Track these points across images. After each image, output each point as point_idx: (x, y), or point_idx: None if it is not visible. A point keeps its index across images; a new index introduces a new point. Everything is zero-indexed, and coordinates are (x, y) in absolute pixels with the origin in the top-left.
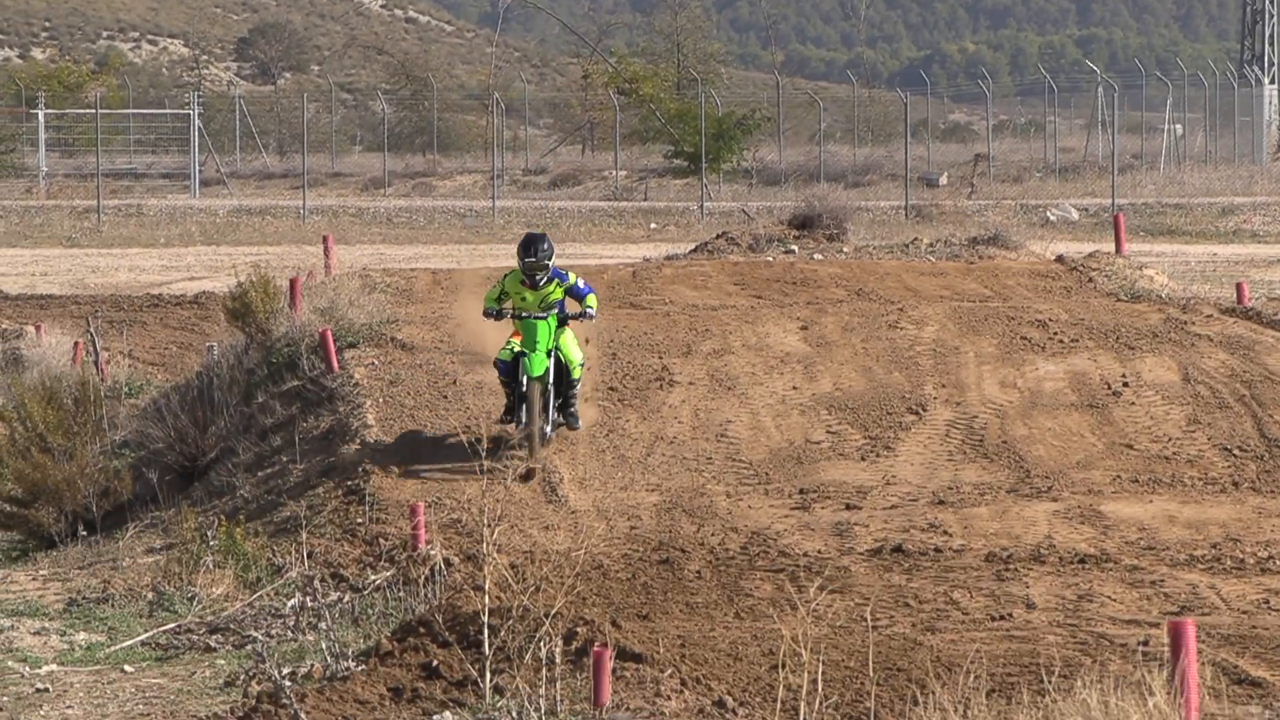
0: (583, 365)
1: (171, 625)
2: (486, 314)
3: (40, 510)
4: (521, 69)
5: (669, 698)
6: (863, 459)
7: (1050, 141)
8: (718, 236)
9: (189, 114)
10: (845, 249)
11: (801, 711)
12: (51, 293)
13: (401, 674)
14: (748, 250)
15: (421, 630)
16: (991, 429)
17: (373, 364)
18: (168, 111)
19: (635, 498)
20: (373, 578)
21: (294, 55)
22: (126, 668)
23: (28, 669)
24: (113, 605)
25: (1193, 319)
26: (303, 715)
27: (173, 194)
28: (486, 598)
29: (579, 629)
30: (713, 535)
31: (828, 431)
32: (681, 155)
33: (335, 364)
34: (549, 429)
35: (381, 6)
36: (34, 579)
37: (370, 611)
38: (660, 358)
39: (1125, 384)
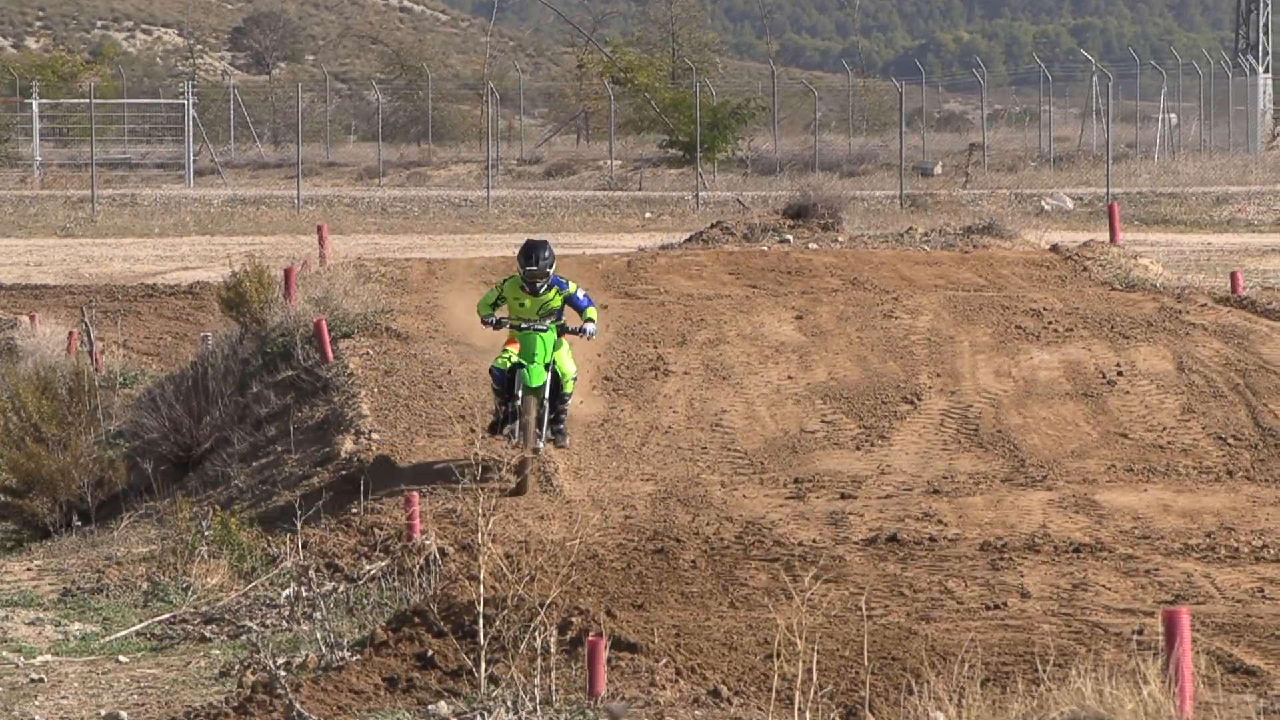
0: (574, 378)
1: (166, 615)
2: (484, 322)
3: (35, 500)
4: (516, 58)
5: (664, 687)
6: (858, 448)
7: (1045, 131)
8: (712, 226)
9: (183, 104)
10: (840, 238)
11: (796, 700)
12: (46, 283)
13: (396, 664)
14: (742, 240)
15: (416, 620)
16: (986, 418)
17: (367, 354)
18: (162, 101)
19: (630, 487)
20: (368, 568)
21: (288, 45)
22: (121, 658)
23: (22, 659)
24: (107, 595)
25: (1187, 308)
26: (298, 705)
27: (167, 184)
28: (481, 587)
29: (574, 618)
30: (708, 525)
31: (823, 421)
32: (676, 145)
33: (330, 354)
34: (541, 443)
35: None
36: (29, 569)
37: (365, 601)
38: (655, 347)
39: (1120, 373)
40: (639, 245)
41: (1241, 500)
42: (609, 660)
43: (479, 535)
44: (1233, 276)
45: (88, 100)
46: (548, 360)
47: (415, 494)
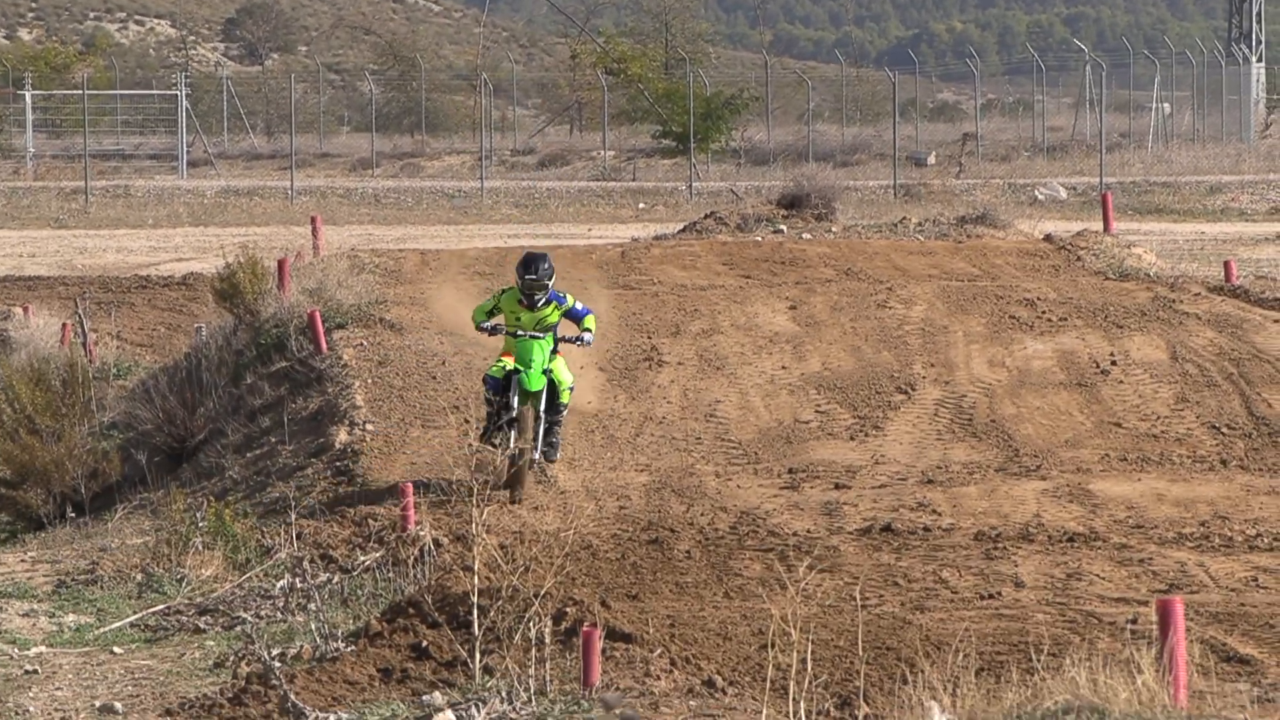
0: (571, 389)
1: (160, 607)
2: (479, 329)
3: (28, 492)
4: (509, 49)
5: (658, 677)
6: (851, 438)
7: (1038, 120)
8: (706, 216)
9: (176, 95)
10: (834, 228)
11: (791, 690)
12: (39, 274)
13: (391, 655)
14: (736, 230)
15: (411, 611)
16: (980, 408)
17: (361, 345)
18: (155, 92)
19: (624, 478)
20: (362, 559)
21: (281, 36)
22: (115, 649)
23: (16, 651)
24: (101, 587)
25: (1181, 297)
26: (292, 696)
27: (160, 175)
28: (476, 578)
29: (568, 609)
30: (702, 515)
31: (816, 411)
32: (670, 135)
33: (324, 345)
34: (537, 453)
35: None
36: (22, 560)
37: (359, 592)
38: (649, 338)
39: (1113, 362)
40: (633, 236)
41: (1235, 489)
42: (603, 651)
43: (473, 526)
44: (1226, 266)
45: (81, 91)
46: (545, 366)
47: (409, 485)
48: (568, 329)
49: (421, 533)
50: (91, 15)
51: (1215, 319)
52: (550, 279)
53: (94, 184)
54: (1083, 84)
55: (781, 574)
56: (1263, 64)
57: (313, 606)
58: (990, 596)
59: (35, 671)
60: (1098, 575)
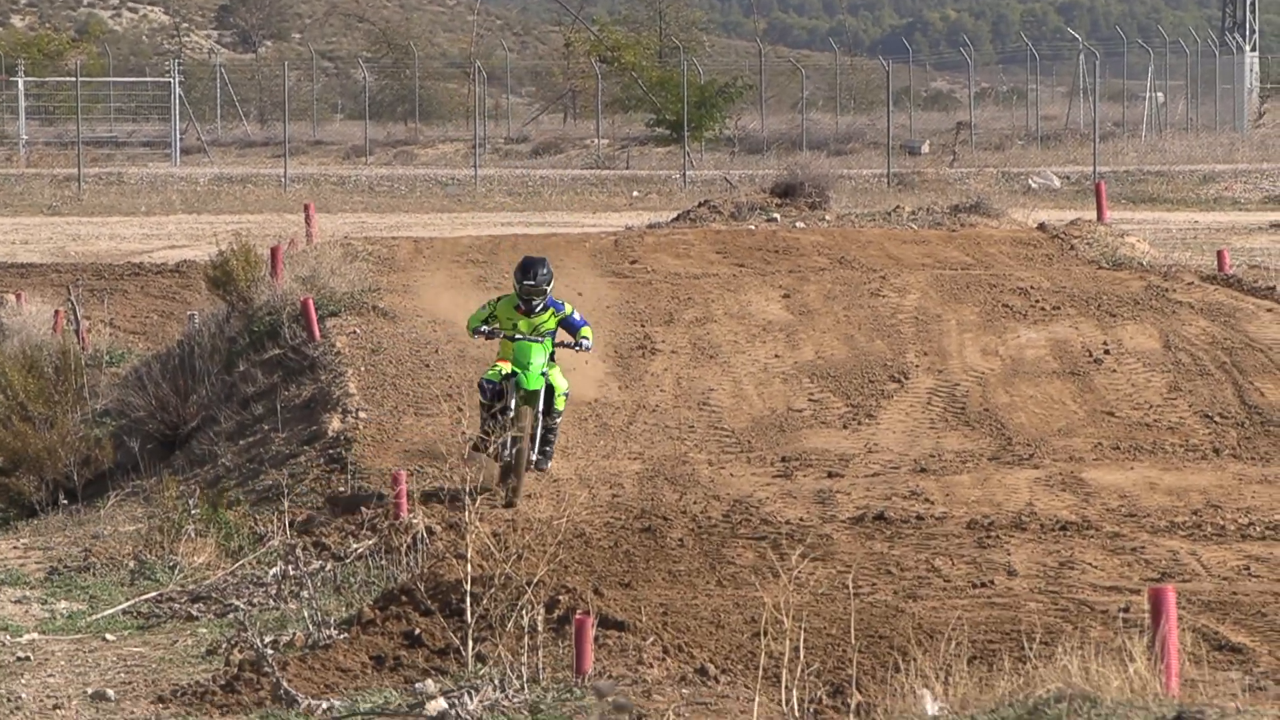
0: (566, 394)
1: (153, 594)
2: (475, 333)
3: (21, 479)
4: (503, 37)
5: (651, 665)
6: (845, 427)
7: (1032, 109)
8: (700, 205)
9: (169, 82)
10: (827, 217)
11: (784, 679)
12: (32, 261)
13: (384, 642)
14: (730, 218)
15: (403, 599)
16: (973, 397)
17: (354, 332)
18: (148, 80)
19: (617, 466)
20: (355, 546)
21: (275, 23)
22: (108, 636)
23: (9, 637)
24: (94, 574)
25: (1174, 286)
26: (285, 683)
27: (153, 162)
28: (469, 566)
29: (561, 597)
30: (695, 503)
31: (810, 399)
32: (664, 123)
33: (317, 332)
34: (534, 454)
35: None
36: (15, 547)
37: (352, 580)
38: (642, 326)
39: (1106, 351)
40: (626, 224)
41: (1228, 478)
42: (596, 639)
43: (466, 514)
44: (1219, 255)
45: (74, 78)
46: (543, 369)
47: (402, 472)
48: (563, 337)
49: (414, 520)
50: (85, 2)
51: (1208, 308)
52: (549, 284)
53: (87, 171)
54: (1077, 73)
55: (774, 562)
56: (1256, 53)
57: (305, 594)
58: (983, 585)
59: (27, 658)
60: (1090, 564)
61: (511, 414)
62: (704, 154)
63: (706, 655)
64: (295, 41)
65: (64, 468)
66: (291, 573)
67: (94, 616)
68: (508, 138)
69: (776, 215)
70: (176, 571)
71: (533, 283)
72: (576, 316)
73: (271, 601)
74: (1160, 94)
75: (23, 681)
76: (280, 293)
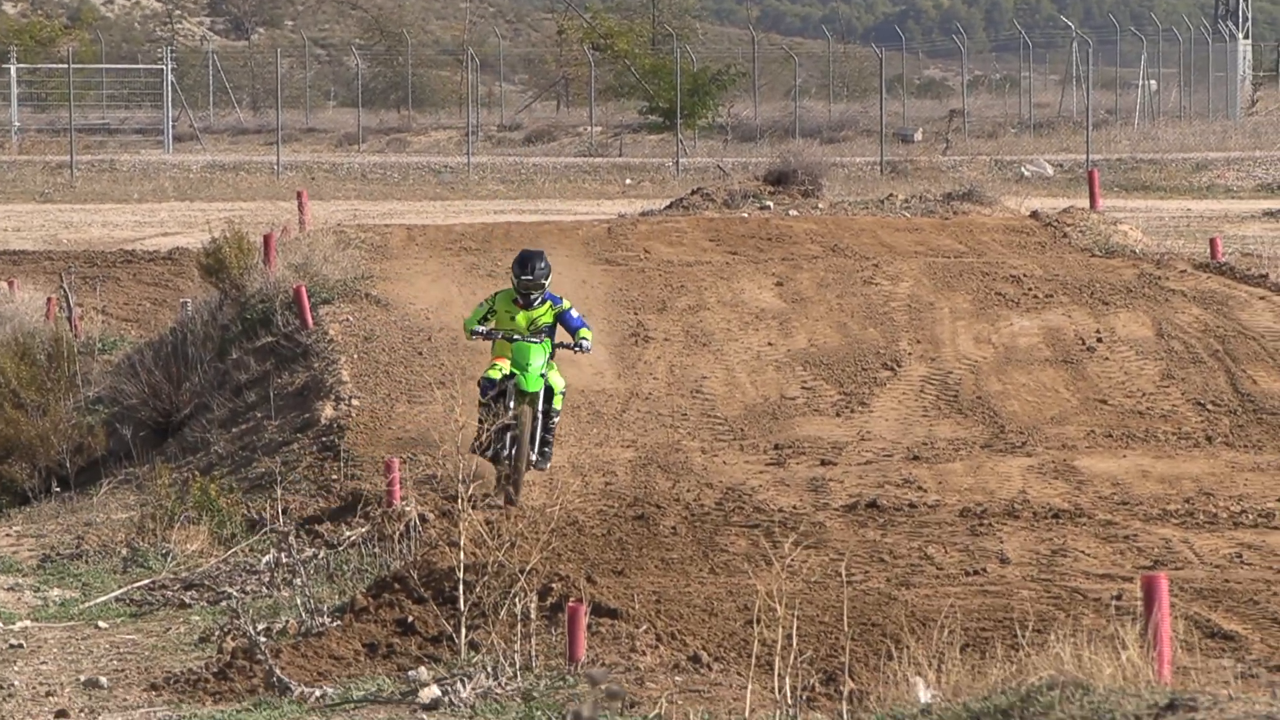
0: (563, 393)
1: (146, 581)
2: (473, 334)
3: (14, 466)
4: (496, 24)
5: (644, 653)
6: (838, 415)
7: (1025, 97)
8: (693, 193)
9: (162, 69)
10: (820, 205)
11: (776, 666)
12: (24, 248)
13: (377, 630)
14: (723, 206)
15: (397, 586)
16: (966, 384)
17: (347, 320)
18: (141, 67)
19: (611, 454)
20: (348, 534)
21: (267, 10)
22: (101, 624)
23: (1, 625)
24: (87, 561)
25: (1167, 274)
26: (277, 671)
27: (146, 149)
28: (462, 553)
29: (554, 585)
30: (688, 491)
31: (803, 387)
32: (656, 111)
33: (310, 320)
34: (534, 454)
35: None
36: (8, 535)
37: (345, 568)
38: (636, 314)
39: (1099, 339)
40: (619, 212)
41: (1220, 466)
42: (589, 626)
43: (459, 501)
44: (1212, 243)
45: (66, 65)
46: (542, 370)
47: (395, 460)
48: (562, 338)
49: (407, 508)
50: None
51: (1201, 296)
52: (546, 278)
53: (79, 158)
54: (1069, 61)
55: (767, 550)
56: (1249, 40)
57: (298, 581)
58: (975, 573)
59: (20, 646)
60: (1083, 551)
61: (511, 415)
62: (697, 142)
63: (699, 643)
64: (288, 28)
65: (57, 455)
66: (284, 560)
67: (87, 604)
68: (501, 125)
69: (769, 203)
70: (169, 559)
71: (530, 277)
72: (574, 314)
73: (264, 589)
74: (1153, 82)
75: (15, 669)
76: (273, 280)
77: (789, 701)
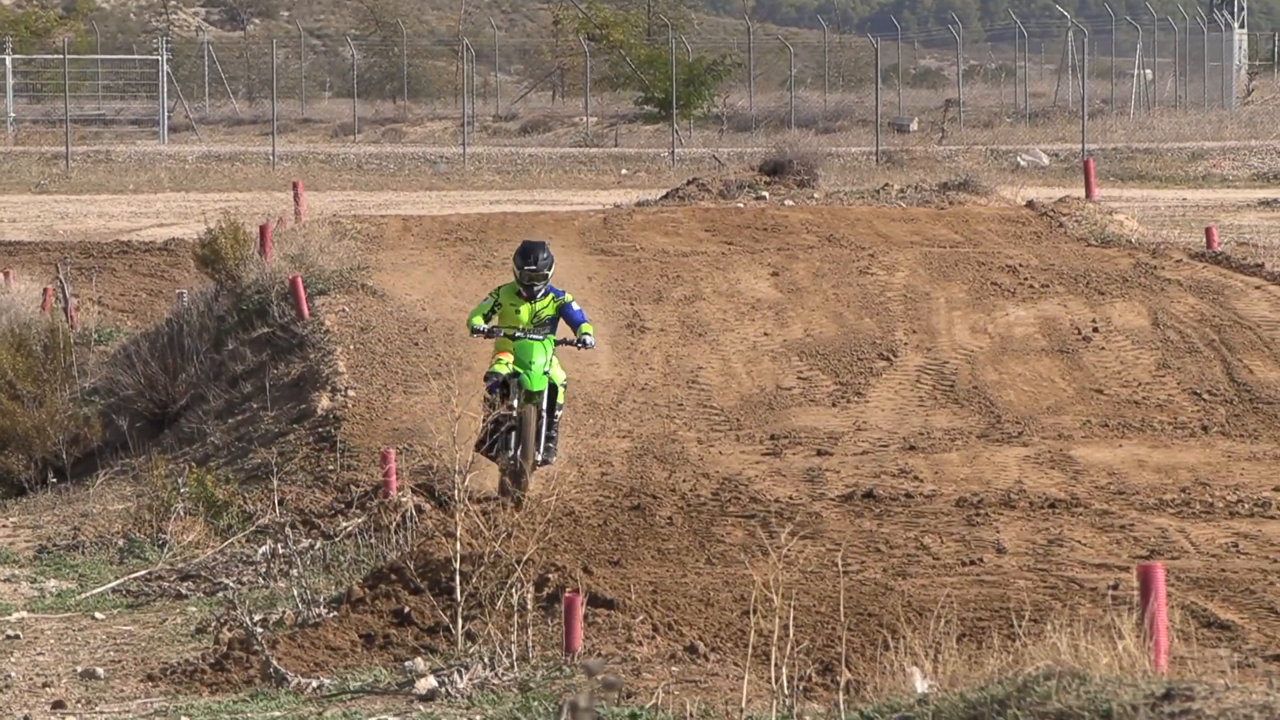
0: (564, 385)
1: (142, 572)
2: (475, 332)
3: (10, 457)
4: (491, 15)
5: (640, 643)
6: (834, 405)
7: (1020, 87)
8: (689, 183)
9: (157, 60)
10: (816, 195)
11: (773, 656)
12: (20, 239)
13: (373, 620)
14: (718, 196)
15: (393, 577)
16: (962, 374)
17: (343, 311)
18: (136, 57)
19: (607, 444)
20: (344, 525)
21: (262, 1)
22: (97, 614)
23: None
24: (83, 552)
25: (1162, 264)
26: (274, 662)
27: (141, 140)
28: (458, 544)
29: (550, 575)
30: (684, 481)
31: (799, 377)
32: (652, 101)
33: (306, 311)
34: (540, 456)
35: None
36: (4, 526)
37: (342, 558)
38: (631, 304)
39: (1095, 329)
40: (615, 202)
41: (1216, 455)
42: (586, 617)
43: (455, 492)
44: (1208, 232)
45: (62, 56)
46: (546, 367)
47: (391, 451)
48: (564, 332)
49: (403, 499)
50: None
51: (1197, 285)
52: (550, 268)
53: (75, 149)
54: (1065, 50)
55: (763, 540)
56: (1244, 30)
57: (295, 572)
58: (972, 563)
59: (17, 637)
60: (1079, 541)
61: (508, 406)
62: (692, 132)
63: (696, 633)
64: (283, 19)
65: (53, 446)
66: (281, 551)
67: (83, 595)
68: (496, 116)
69: (765, 193)
70: (166, 550)
71: (534, 267)
72: (575, 306)
73: (261, 580)
74: (1149, 71)
75: (12, 660)
76: (269, 271)
77: (785, 692)
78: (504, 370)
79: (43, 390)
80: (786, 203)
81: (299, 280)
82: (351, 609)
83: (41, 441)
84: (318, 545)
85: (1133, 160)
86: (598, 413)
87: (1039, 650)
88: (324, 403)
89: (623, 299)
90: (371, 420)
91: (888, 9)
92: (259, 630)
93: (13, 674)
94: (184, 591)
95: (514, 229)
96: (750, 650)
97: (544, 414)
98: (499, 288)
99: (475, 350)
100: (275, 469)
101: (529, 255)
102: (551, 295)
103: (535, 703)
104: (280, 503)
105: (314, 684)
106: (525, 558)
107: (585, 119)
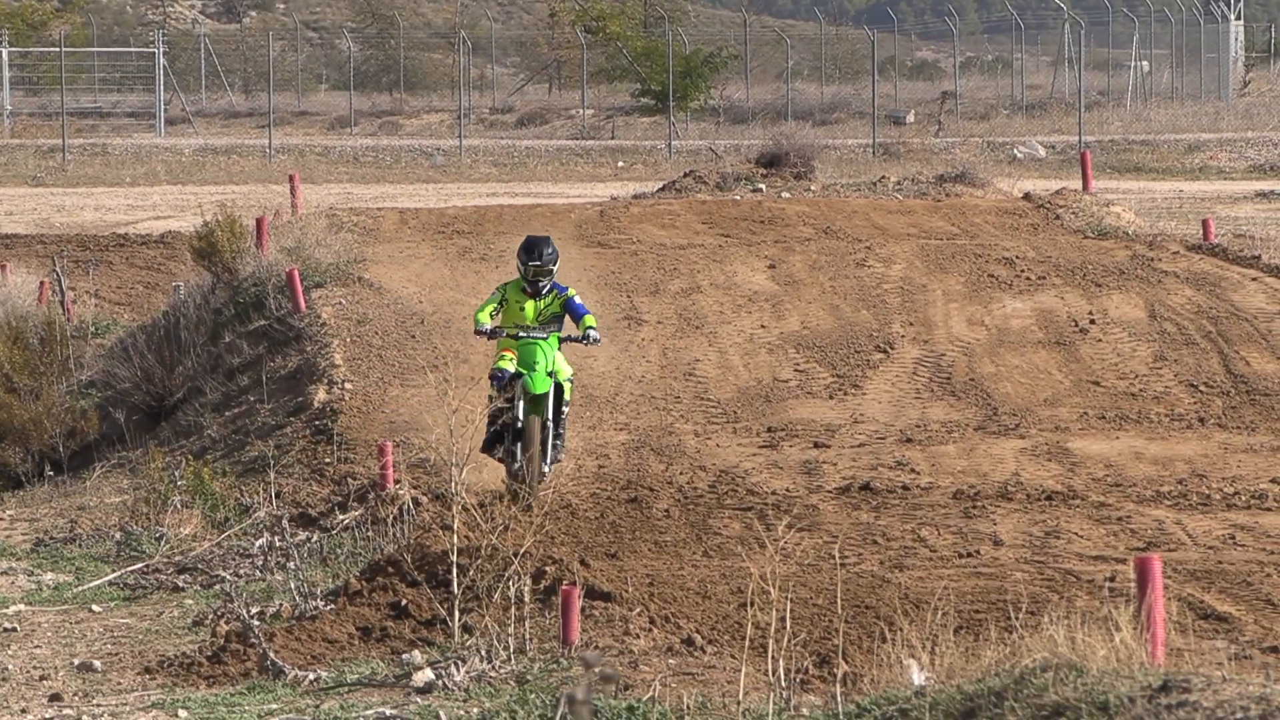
0: (571, 379)
1: (139, 565)
2: (479, 332)
3: (7, 450)
4: (488, 7)
5: (638, 636)
6: (831, 397)
7: (1017, 79)
8: (685, 175)
9: (154, 52)
10: (813, 187)
11: (770, 649)
12: (16, 232)
13: (370, 613)
14: (715, 189)
15: (390, 570)
16: (959, 367)
17: (340, 303)
18: (132, 50)
19: (603, 437)
20: (341, 517)
21: None
22: (94, 607)
23: None
24: (80, 545)
25: (1159, 256)
26: (271, 654)
27: (138, 133)
28: (455, 537)
29: (547, 568)
30: (681, 474)
31: (796, 370)
32: (649, 94)
33: (302, 303)
34: (548, 466)
35: None
36: (1, 519)
37: (339, 551)
38: (628, 297)
39: (1092, 321)
40: (611, 194)
41: (1213, 447)
42: (583, 609)
43: (452, 485)
44: (1204, 224)
45: (57, 49)
46: (550, 369)
47: (388, 444)
48: (569, 328)
49: (400, 491)
50: None
51: (1193, 277)
52: (555, 263)
53: (71, 142)
54: (1061, 42)
55: (760, 532)
56: (1241, 21)
57: (291, 565)
58: (969, 555)
59: (14, 630)
60: (1076, 533)
61: (519, 423)
62: (689, 124)
63: (693, 626)
64: (279, 12)
65: (49, 439)
66: (278, 544)
67: (80, 588)
68: (493, 108)
69: (762, 185)
70: (163, 543)
71: (538, 262)
72: (578, 300)
73: (258, 573)
74: (1145, 63)
75: (9, 653)
76: (265, 264)
77: (783, 684)
78: (510, 367)
79: (39, 383)
80: (783, 195)
81: (295, 273)
82: (348, 602)
83: (38, 434)
84: (315, 538)
85: (1129, 152)
86: (595, 405)
87: (1036, 642)
88: (321, 395)
89: (619, 291)
90: (368, 413)
91: (884, 1)
92: (256, 623)
93: (10, 667)
94: (181, 584)
95: (510, 222)
96: (747, 642)
97: (549, 422)
98: (506, 283)
99: (472, 343)
100: (272, 462)
101: (533, 250)
102: (556, 292)
103: (532, 695)
104: (277, 495)
105: (311, 676)
106: (522, 550)
107: (582, 111)
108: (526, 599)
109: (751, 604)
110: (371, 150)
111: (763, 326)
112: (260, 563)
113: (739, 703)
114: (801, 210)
